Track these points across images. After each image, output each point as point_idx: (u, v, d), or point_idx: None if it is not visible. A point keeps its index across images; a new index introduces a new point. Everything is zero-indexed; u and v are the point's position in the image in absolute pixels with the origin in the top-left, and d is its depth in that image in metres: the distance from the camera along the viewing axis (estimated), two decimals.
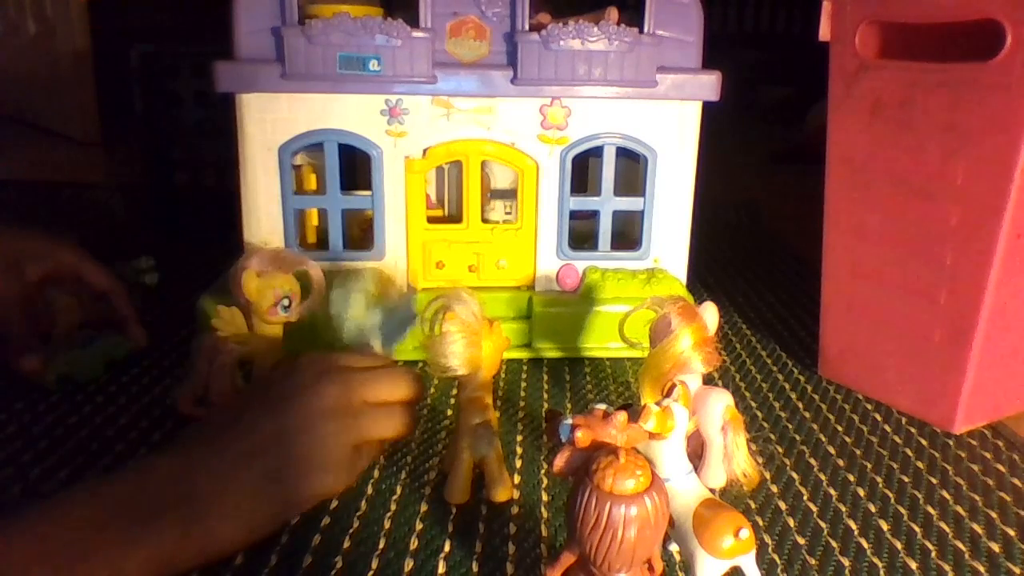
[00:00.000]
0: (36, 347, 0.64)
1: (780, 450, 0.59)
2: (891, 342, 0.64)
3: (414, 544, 0.47)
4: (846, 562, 0.46)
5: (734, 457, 0.49)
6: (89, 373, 0.65)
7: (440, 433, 0.59)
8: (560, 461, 0.37)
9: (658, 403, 0.40)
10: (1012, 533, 0.50)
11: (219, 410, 0.49)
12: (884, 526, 0.50)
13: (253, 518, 0.44)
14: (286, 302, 0.58)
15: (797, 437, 0.61)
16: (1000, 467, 0.57)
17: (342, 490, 0.49)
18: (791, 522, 0.50)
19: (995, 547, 0.48)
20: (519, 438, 0.59)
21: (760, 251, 1.15)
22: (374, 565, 0.45)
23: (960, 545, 0.48)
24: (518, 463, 0.56)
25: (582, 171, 0.79)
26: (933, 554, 0.47)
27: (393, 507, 0.50)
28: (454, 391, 0.65)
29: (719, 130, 0.85)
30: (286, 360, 0.52)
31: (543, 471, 0.55)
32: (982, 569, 0.46)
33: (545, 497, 0.52)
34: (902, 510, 0.52)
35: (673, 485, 0.40)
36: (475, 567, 0.45)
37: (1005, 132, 0.54)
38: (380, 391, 0.50)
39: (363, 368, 0.51)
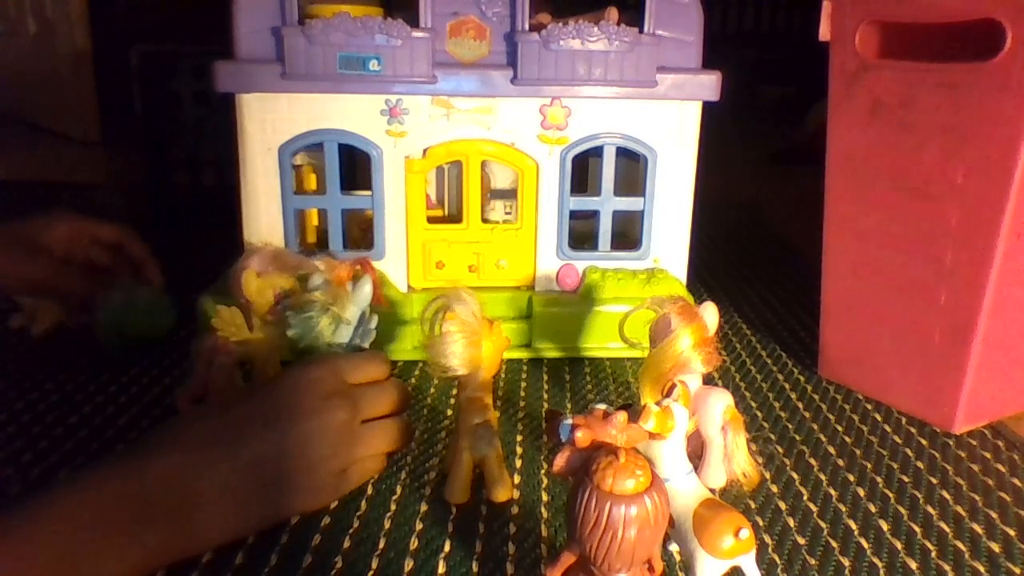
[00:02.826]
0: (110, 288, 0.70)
1: (780, 450, 0.59)
2: (891, 342, 0.64)
3: (414, 544, 0.47)
4: (846, 562, 0.46)
5: (734, 457, 0.49)
6: (135, 326, 0.68)
7: (440, 433, 0.59)
8: (560, 461, 0.37)
9: (658, 403, 0.40)
10: (1012, 533, 0.50)
11: (219, 409, 0.49)
12: (884, 526, 0.50)
13: (237, 525, 0.45)
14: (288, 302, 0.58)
15: (797, 437, 0.61)
16: (1000, 467, 0.57)
17: (327, 505, 0.50)
18: (791, 522, 0.50)
19: (995, 547, 0.48)
20: (519, 438, 0.59)
21: (760, 251, 1.15)
22: (374, 565, 0.45)
23: (960, 545, 0.48)
24: (518, 463, 0.56)
25: (582, 171, 0.79)
26: (933, 554, 0.47)
27: (393, 507, 0.50)
28: (454, 391, 0.65)
29: (719, 130, 0.85)
30: (293, 366, 0.51)
31: (543, 471, 0.55)
32: (982, 569, 0.46)
33: (545, 497, 0.52)
34: (902, 510, 0.52)
35: (673, 485, 0.40)
36: (475, 567, 0.45)
37: (1005, 132, 0.54)
38: (379, 408, 0.51)
39: (366, 384, 0.51)
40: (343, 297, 0.57)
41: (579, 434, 0.36)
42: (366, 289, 0.58)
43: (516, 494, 0.52)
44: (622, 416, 0.37)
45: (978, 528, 0.50)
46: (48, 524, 0.38)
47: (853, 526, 0.50)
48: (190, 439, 0.45)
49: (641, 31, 0.67)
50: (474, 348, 0.49)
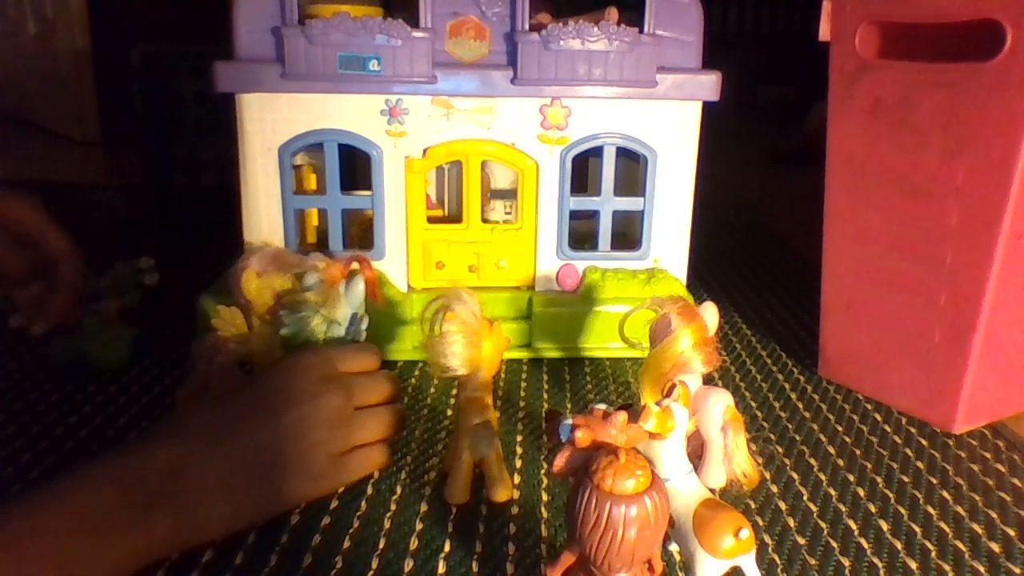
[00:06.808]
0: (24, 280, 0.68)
1: (780, 450, 0.59)
2: (891, 342, 0.64)
3: (414, 544, 0.47)
4: (846, 562, 0.46)
5: (734, 457, 0.49)
6: (115, 359, 0.66)
7: (440, 433, 0.59)
8: (560, 461, 0.37)
9: (658, 403, 0.40)
10: (1012, 533, 0.50)
11: (217, 400, 0.50)
12: (884, 526, 0.50)
13: (238, 514, 0.45)
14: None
15: (797, 437, 0.61)
16: (1000, 467, 0.57)
17: (327, 494, 0.50)
18: (791, 522, 0.50)
19: (995, 547, 0.48)
20: (519, 438, 0.59)
21: (760, 251, 1.15)
22: (374, 565, 0.45)
23: (960, 545, 0.48)
24: (518, 463, 0.56)
25: (582, 171, 0.79)
26: (933, 554, 0.47)
27: (393, 507, 0.50)
28: (454, 391, 0.65)
29: (719, 130, 0.85)
30: (287, 356, 0.52)
31: (543, 471, 0.55)
32: (982, 569, 0.46)
33: (545, 497, 0.52)
34: (902, 510, 0.52)
35: (673, 485, 0.40)
36: (475, 567, 0.45)
37: (1005, 132, 0.54)
38: (372, 396, 0.52)
39: (357, 374, 0.52)
40: (334, 297, 0.58)
41: (579, 434, 0.36)
42: (358, 289, 0.58)
43: (516, 494, 0.52)
44: (622, 416, 0.37)
45: (978, 528, 0.50)
46: (51, 512, 0.38)
47: (853, 526, 0.50)
48: (189, 429, 0.46)
49: (641, 31, 0.67)
50: (474, 348, 0.49)
